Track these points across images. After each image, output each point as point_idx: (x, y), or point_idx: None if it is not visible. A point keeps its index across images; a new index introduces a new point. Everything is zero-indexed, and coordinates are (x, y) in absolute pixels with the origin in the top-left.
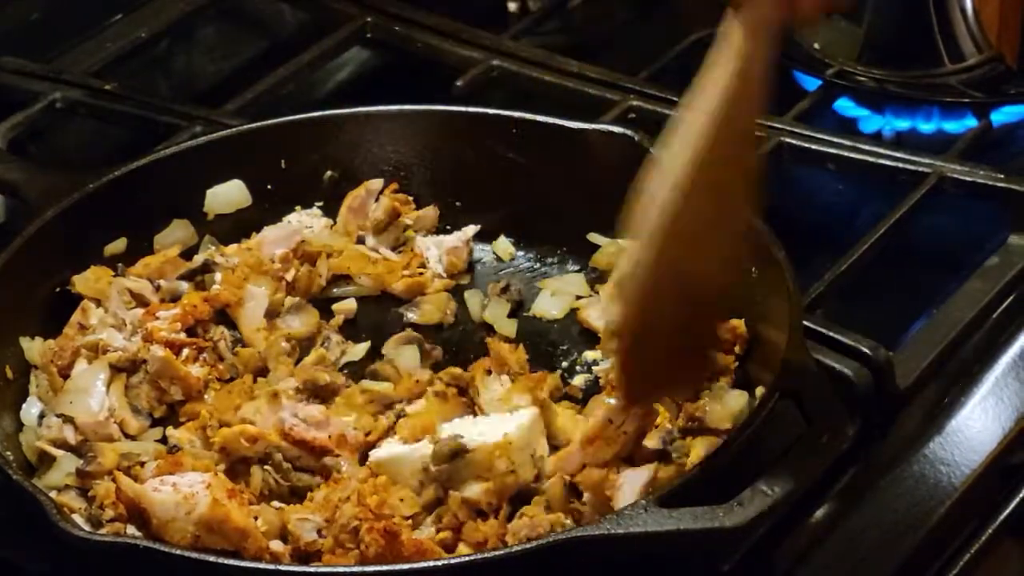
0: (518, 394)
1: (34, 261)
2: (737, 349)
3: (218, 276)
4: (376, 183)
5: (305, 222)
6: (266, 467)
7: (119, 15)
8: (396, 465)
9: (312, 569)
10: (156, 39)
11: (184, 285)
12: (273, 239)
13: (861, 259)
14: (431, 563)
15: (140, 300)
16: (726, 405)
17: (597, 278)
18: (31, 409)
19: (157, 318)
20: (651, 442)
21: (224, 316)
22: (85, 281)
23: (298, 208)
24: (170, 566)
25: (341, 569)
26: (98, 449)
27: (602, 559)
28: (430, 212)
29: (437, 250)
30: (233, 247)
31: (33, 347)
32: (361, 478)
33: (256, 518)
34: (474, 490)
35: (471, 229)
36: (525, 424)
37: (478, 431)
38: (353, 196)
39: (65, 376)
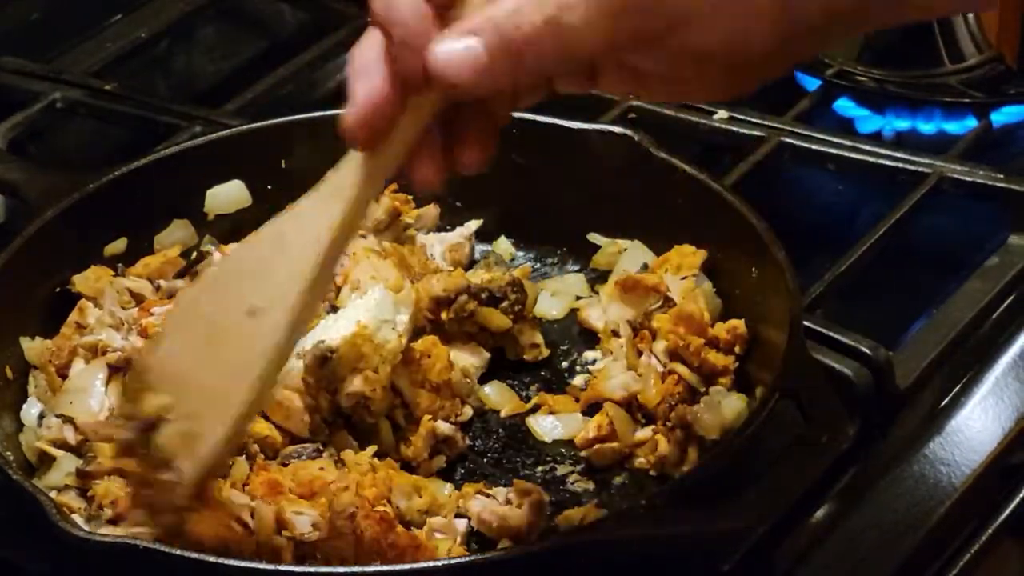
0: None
1: (34, 261)
2: (737, 349)
3: (216, 256)
4: None
5: None
6: None
7: (119, 15)
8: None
9: (312, 569)
10: (156, 39)
11: (182, 283)
12: None
13: (861, 259)
14: (431, 563)
15: (140, 300)
16: (719, 413)
17: (597, 278)
18: (31, 409)
19: (152, 314)
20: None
21: None
22: (85, 280)
23: None
24: (170, 566)
25: (341, 569)
26: (98, 449)
27: (602, 560)
28: (431, 210)
29: (440, 246)
30: (232, 246)
31: (33, 347)
32: (362, 471)
33: (252, 514)
34: (355, 384)
35: (473, 224)
36: (373, 303)
37: (336, 329)
38: None
39: (63, 376)
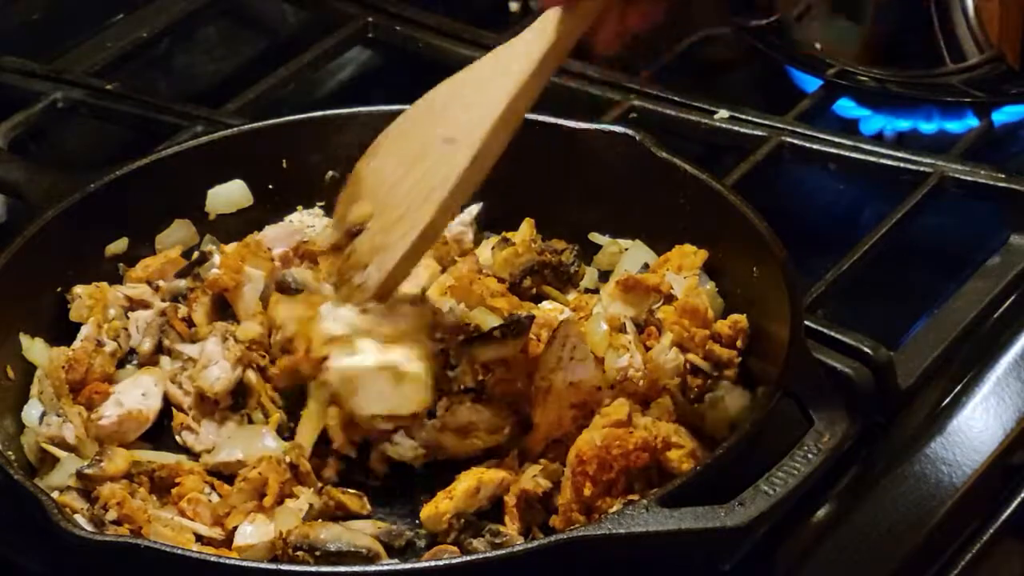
0: None
1: (35, 261)
2: (739, 344)
3: (216, 259)
4: None
5: (307, 222)
6: None
7: (120, 15)
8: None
9: (313, 569)
10: (157, 39)
11: (182, 283)
12: (273, 237)
13: (862, 259)
14: (431, 563)
15: (140, 305)
16: (725, 411)
17: (598, 278)
18: (32, 411)
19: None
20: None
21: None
22: (81, 306)
23: (300, 208)
24: (171, 566)
25: (341, 569)
26: (109, 453)
27: (604, 559)
28: None
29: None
30: (232, 245)
31: (34, 346)
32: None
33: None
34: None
35: (474, 208)
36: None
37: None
38: None
39: (75, 389)
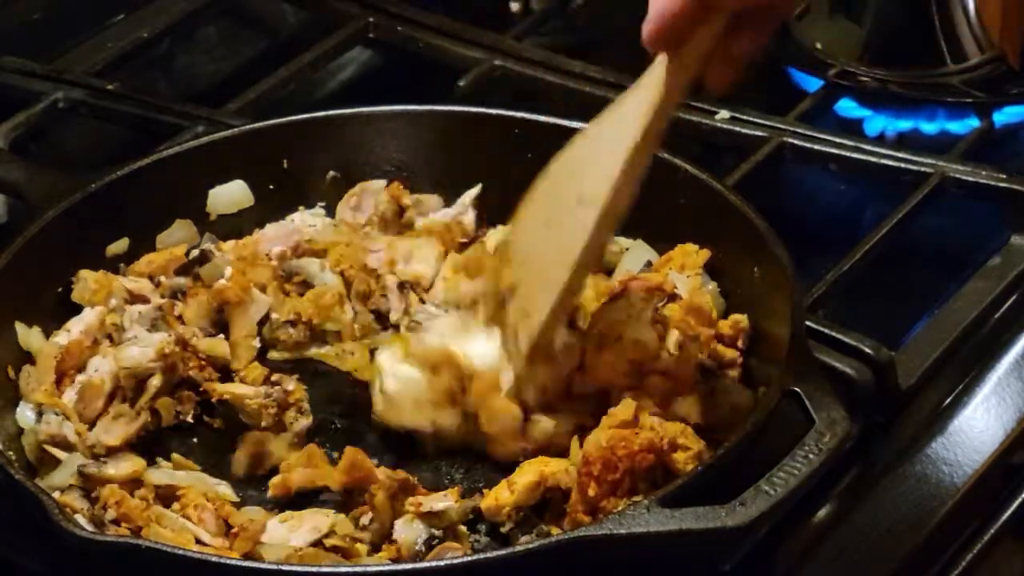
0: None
1: (36, 261)
2: (740, 344)
3: (228, 271)
4: (372, 183)
5: (308, 221)
6: None
7: (121, 15)
8: None
9: (313, 569)
10: (158, 39)
11: (182, 280)
12: (272, 236)
13: (863, 259)
14: (431, 563)
15: (141, 299)
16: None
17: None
18: (25, 412)
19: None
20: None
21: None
22: (84, 290)
23: (301, 208)
24: (172, 566)
25: (342, 569)
26: (118, 458)
27: (604, 559)
28: (432, 198)
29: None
30: (231, 243)
31: (30, 335)
32: None
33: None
34: None
35: (473, 191)
36: None
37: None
38: (349, 196)
39: (60, 377)
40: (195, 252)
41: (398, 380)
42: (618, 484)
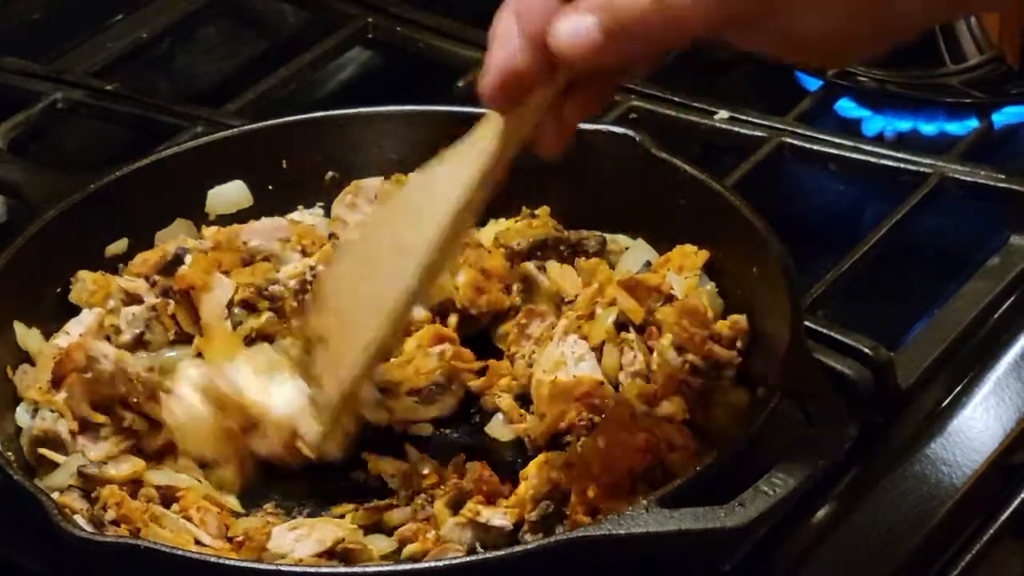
0: None
1: (35, 261)
2: (739, 344)
3: (188, 258)
4: (368, 181)
5: (308, 221)
6: None
7: (120, 15)
8: None
9: (312, 569)
10: (157, 39)
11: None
12: (257, 229)
13: (862, 259)
14: (431, 563)
15: (137, 300)
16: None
17: None
18: (23, 413)
19: None
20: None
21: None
22: (82, 290)
23: (300, 207)
24: (171, 566)
25: (342, 570)
26: (118, 459)
27: (603, 559)
28: None
29: None
30: (212, 229)
31: (28, 335)
32: None
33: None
34: None
35: None
36: None
37: None
38: (345, 194)
39: (59, 380)
40: (167, 246)
41: (188, 410)
42: (617, 485)
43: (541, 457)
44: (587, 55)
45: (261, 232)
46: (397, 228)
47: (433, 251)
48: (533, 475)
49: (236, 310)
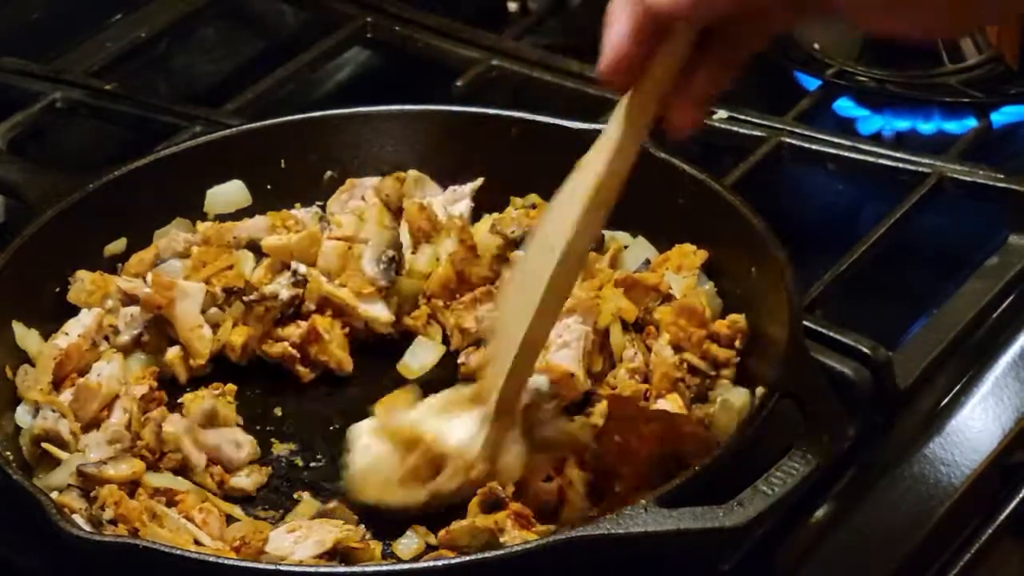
0: None
1: (34, 261)
2: (737, 343)
3: (178, 264)
4: (363, 180)
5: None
6: None
7: (119, 15)
8: None
9: (312, 569)
10: (156, 39)
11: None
12: (248, 225)
13: (861, 259)
14: (431, 563)
15: (135, 300)
16: (727, 411)
17: None
18: (24, 413)
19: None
20: None
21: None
22: (79, 293)
23: (297, 206)
24: (171, 566)
25: (342, 570)
26: (118, 459)
27: (602, 559)
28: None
29: (443, 208)
30: (206, 224)
31: (28, 335)
32: None
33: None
34: None
35: (475, 183)
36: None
37: None
38: (340, 192)
39: (59, 381)
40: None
41: (369, 456)
42: (629, 477)
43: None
44: (688, 6)
45: (248, 227)
46: (545, 232)
47: (571, 240)
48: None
49: (212, 310)
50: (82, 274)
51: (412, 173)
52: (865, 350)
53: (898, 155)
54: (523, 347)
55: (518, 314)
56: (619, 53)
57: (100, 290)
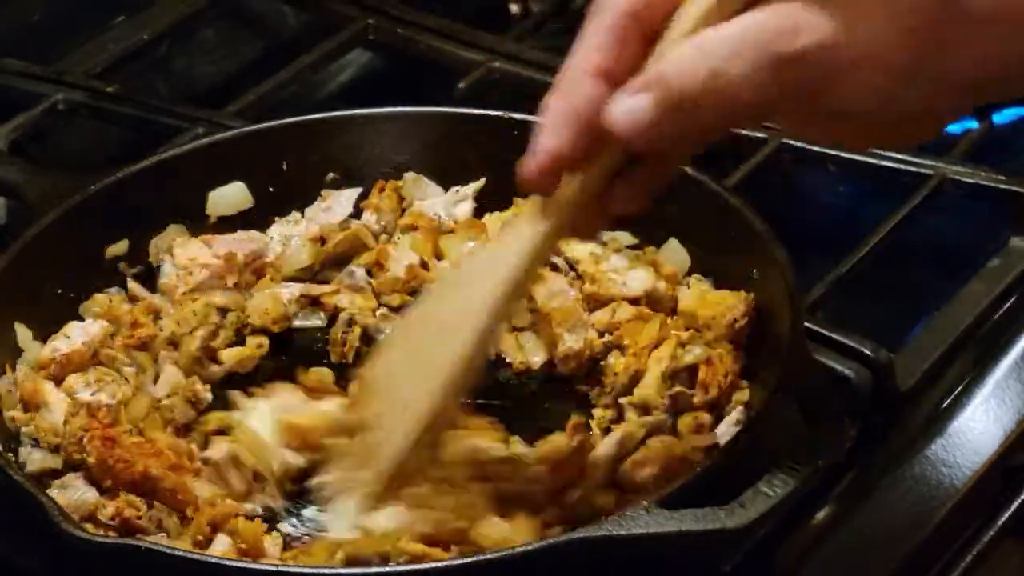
0: None
1: (35, 263)
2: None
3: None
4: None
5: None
6: None
7: (121, 17)
8: None
9: (312, 569)
10: (158, 41)
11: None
12: (236, 238)
13: (862, 261)
14: (431, 564)
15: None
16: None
17: None
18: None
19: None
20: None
21: None
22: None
23: (276, 219)
24: (172, 567)
25: (342, 570)
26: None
27: (603, 560)
28: (431, 185)
29: (444, 209)
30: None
31: (29, 336)
32: None
33: None
34: None
35: (478, 184)
36: None
37: None
38: (321, 200)
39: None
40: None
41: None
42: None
43: None
44: (643, 134)
45: (236, 241)
46: (443, 308)
47: (484, 328)
48: None
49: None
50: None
51: (410, 175)
52: (866, 351)
53: (899, 156)
54: (425, 426)
55: (418, 389)
56: (554, 161)
57: (108, 314)
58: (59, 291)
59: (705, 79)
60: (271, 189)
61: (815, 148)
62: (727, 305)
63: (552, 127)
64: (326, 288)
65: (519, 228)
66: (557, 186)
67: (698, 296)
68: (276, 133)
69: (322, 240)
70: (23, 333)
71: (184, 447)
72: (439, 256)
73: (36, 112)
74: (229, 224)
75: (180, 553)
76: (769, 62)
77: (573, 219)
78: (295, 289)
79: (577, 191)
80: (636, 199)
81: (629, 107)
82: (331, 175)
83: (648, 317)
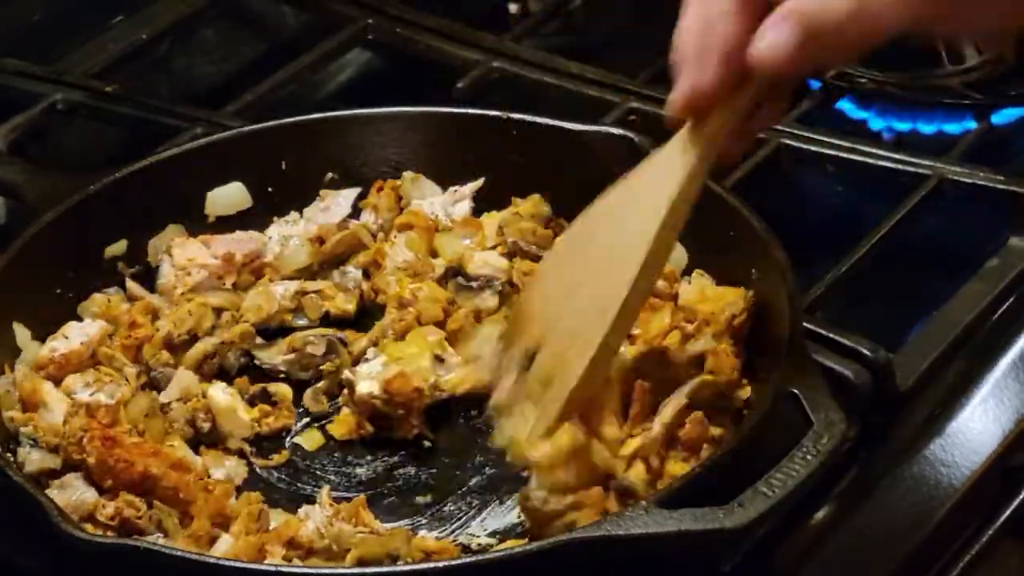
0: None
1: (34, 263)
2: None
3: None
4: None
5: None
6: None
7: (120, 17)
8: None
9: (312, 569)
10: (157, 41)
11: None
12: (235, 238)
13: (861, 261)
14: (431, 564)
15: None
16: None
17: None
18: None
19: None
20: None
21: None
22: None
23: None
24: (172, 567)
25: (342, 570)
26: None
27: (602, 560)
28: (429, 184)
29: (442, 208)
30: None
31: (27, 336)
32: None
33: None
34: None
35: (476, 183)
36: None
37: None
38: (320, 200)
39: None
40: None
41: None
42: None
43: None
44: (787, 65)
45: (233, 241)
46: (605, 235)
47: (646, 261)
48: None
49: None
50: (98, 298)
51: (408, 175)
52: (865, 351)
53: (898, 156)
54: (597, 354)
55: (591, 316)
56: (702, 93)
57: (106, 314)
58: (58, 291)
59: (847, 6)
60: (270, 189)
61: (815, 148)
62: (727, 301)
63: (696, 62)
64: (320, 284)
65: (670, 159)
66: (706, 116)
67: (698, 291)
68: (275, 133)
69: (321, 240)
70: (22, 333)
71: (191, 460)
72: (434, 254)
73: (35, 112)
74: (228, 224)
75: (180, 553)
76: None
77: (720, 147)
78: (290, 287)
79: (724, 121)
80: (771, 119)
81: (774, 39)
82: (330, 175)
83: (658, 307)
